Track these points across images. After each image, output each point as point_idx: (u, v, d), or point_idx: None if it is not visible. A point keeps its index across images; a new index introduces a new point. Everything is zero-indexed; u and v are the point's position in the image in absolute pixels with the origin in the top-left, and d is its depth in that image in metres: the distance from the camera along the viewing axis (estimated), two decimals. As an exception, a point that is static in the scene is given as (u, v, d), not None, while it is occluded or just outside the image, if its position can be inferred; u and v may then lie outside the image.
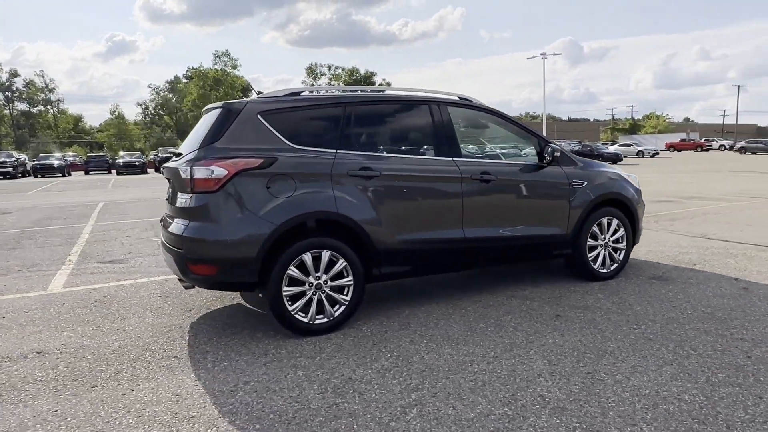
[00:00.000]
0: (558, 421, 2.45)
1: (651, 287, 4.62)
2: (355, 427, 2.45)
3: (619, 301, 4.25)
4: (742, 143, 48.72)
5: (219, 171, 3.45)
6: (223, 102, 3.90)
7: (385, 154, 4.01)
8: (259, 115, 3.67)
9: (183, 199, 3.65)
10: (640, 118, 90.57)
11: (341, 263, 3.67)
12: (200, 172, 3.47)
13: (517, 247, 4.51)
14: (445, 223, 4.12)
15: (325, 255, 3.62)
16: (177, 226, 3.66)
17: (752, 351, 3.18)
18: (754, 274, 4.96)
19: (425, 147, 4.22)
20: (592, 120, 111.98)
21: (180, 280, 3.86)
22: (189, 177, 3.52)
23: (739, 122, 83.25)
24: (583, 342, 3.40)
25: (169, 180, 4.23)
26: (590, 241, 4.78)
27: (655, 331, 3.56)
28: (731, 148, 54.40)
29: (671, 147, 61.00)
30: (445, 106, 4.27)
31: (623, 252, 4.98)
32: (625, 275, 5.02)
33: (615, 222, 4.90)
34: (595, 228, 4.78)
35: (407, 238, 3.94)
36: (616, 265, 4.94)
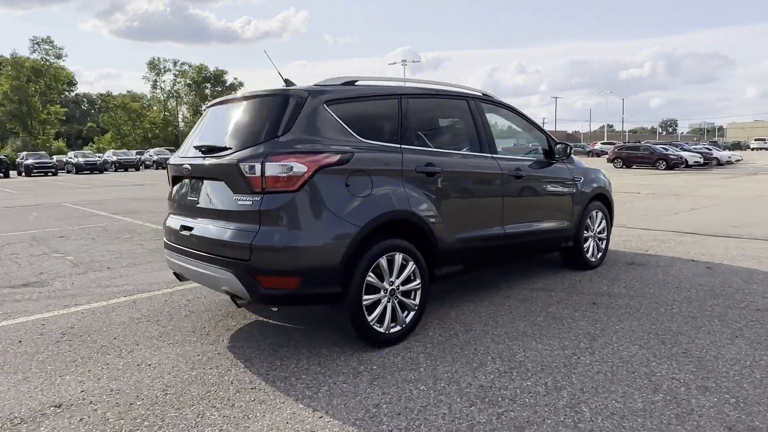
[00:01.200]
0: (716, 399, 2.58)
1: (636, 272, 5.11)
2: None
3: (627, 286, 4.62)
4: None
5: (299, 168, 2.98)
6: (272, 89, 3.38)
7: (439, 150, 3.83)
8: (325, 105, 3.25)
9: (243, 200, 3.07)
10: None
11: (411, 266, 3.42)
12: (274, 169, 2.96)
13: (538, 242, 4.65)
14: (491, 220, 4.09)
15: (398, 258, 3.34)
16: (235, 232, 3.07)
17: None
18: (702, 256, 5.78)
19: (470, 143, 4.13)
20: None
21: (234, 297, 3.24)
22: (258, 174, 2.98)
23: (555, 129, 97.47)
24: (645, 325, 3.63)
25: (184, 178, 3.57)
26: (584, 233, 5.13)
27: (689, 310, 3.94)
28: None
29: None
30: (480, 101, 4.24)
31: (605, 242, 5.45)
32: (605, 263, 5.49)
33: (600, 214, 5.33)
34: (588, 220, 5.14)
35: (462, 236, 3.82)
36: (600, 254, 5.38)
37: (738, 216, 9.01)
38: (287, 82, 3.69)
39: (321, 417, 2.51)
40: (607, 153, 52.95)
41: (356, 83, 3.56)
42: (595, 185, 5.21)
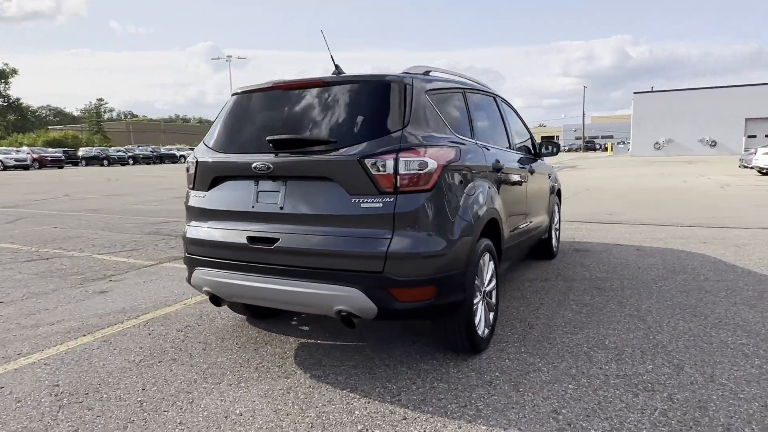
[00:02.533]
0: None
1: (592, 257, 5.73)
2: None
3: (603, 270, 5.14)
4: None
5: (431, 164, 2.65)
6: (364, 74, 2.93)
7: (495, 146, 3.77)
8: (427, 95, 2.96)
9: (370, 202, 2.61)
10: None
11: (492, 266, 3.33)
12: (409, 165, 2.59)
13: (537, 235, 4.89)
14: (523, 215, 4.18)
15: (486, 258, 3.22)
16: (361, 240, 2.61)
17: (736, 282, 4.49)
18: (621, 240, 6.71)
19: (501, 140, 4.13)
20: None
21: (349, 318, 2.71)
22: (390, 172, 2.58)
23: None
24: (665, 299, 4.10)
25: (242, 179, 2.96)
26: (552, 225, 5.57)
27: (676, 283, 4.56)
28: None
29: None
30: (500, 98, 4.30)
31: (558, 232, 5.98)
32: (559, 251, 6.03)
33: (557, 207, 5.83)
34: (553, 213, 5.59)
35: (512, 233, 3.83)
36: (557, 243, 5.89)
37: (598, 205, 10.66)
38: (338, 68, 3.28)
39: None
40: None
41: (430, 73, 3.30)
42: (558, 181, 5.69)
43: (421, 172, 2.61)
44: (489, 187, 3.27)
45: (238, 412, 2.56)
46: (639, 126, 47.04)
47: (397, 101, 2.76)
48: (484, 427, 2.36)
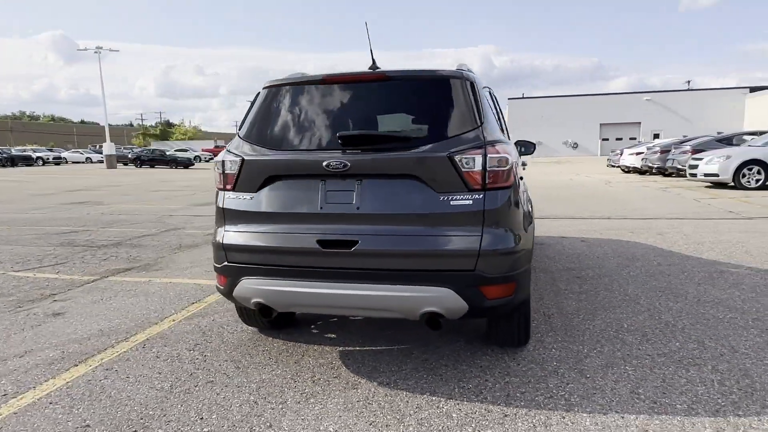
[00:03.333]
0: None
1: (549, 250, 6.13)
2: None
3: (566, 262, 5.53)
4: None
5: (510, 160, 2.66)
6: (427, 69, 2.83)
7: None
8: (484, 91, 2.96)
9: (459, 199, 2.55)
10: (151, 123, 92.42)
11: None
12: (495, 162, 2.58)
13: None
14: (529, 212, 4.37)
15: None
16: (452, 238, 2.55)
17: (684, 265, 5.10)
18: (565, 233, 7.26)
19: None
20: (101, 124, 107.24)
21: (434, 320, 2.60)
22: (479, 169, 2.55)
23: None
24: (649, 288, 4.52)
25: (307, 177, 2.74)
26: None
27: (639, 271, 5.04)
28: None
29: (211, 153, 66.26)
30: (490, 91, 4.43)
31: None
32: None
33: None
34: None
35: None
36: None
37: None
38: (374, 63, 3.18)
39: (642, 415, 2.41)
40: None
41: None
42: None
43: (503, 169, 2.62)
44: (525, 184, 3.38)
45: (331, 430, 2.36)
46: (513, 130, 51.31)
47: (470, 97, 2.74)
48: (585, 414, 2.44)
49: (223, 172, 2.92)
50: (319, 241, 2.64)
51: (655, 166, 18.54)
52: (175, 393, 2.73)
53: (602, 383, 2.74)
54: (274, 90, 2.99)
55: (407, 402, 2.60)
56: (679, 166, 15.62)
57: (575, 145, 50.42)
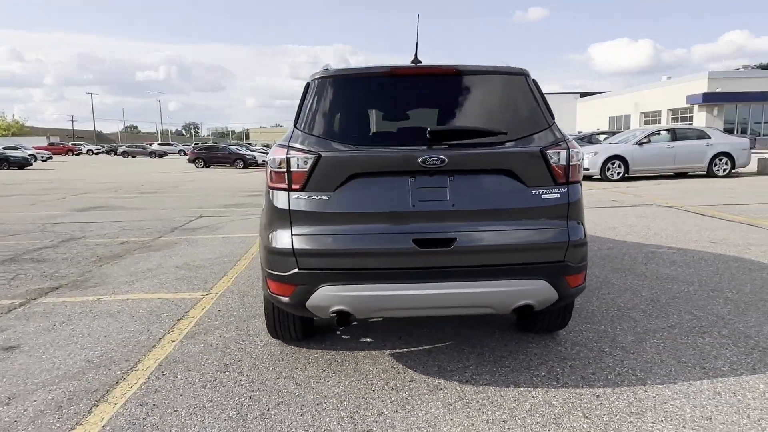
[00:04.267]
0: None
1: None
2: None
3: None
4: (124, 147, 53.43)
5: (582, 156, 2.81)
6: (495, 66, 2.82)
7: None
8: None
9: (549, 193, 2.65)
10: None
11: None
12: (575, 157, 2.71)
13: None
14: None
15: None
16: (545, 231, 2.63)
17: (614, 248, 5.76)
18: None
19: None
20: None
21: (523, 310, 2.61)
22: (564, 163, 2.66)
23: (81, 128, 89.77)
24: (660, 277, 5.02)
25: (398, 174, 2.62)
26: None
27: (629, 261, 5.57)
28: (108, 152, 58.26)
29: (49, 151, 58.01)
30: None
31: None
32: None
33: None
34: None
35: None
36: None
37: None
38: (416, 57, 3.14)
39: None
40: (167, 154, 53.75)
41: None
42: None
43: (579, 163, 2.75)
44: None
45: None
46: None
47: (537, 94, 2.82)
48: (660, 386, 2.69)
49: (288, 169, 2.63)
50: (415, 241, 2.52)
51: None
52: (249, 420, 2.42)
53: (648, 356, 3.03)
54: (336, 81, 2.78)
55: (501, 396, 2.62)
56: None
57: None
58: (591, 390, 2.66)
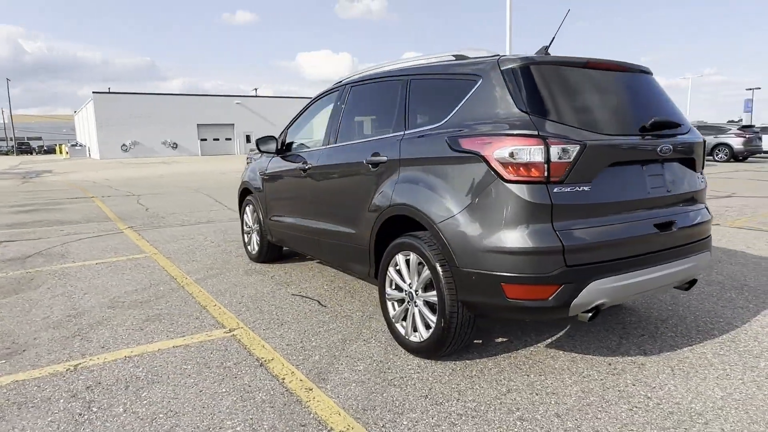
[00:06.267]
0: None
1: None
2: None
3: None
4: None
5: None
6: (631, 63, 3.17)
7: None
8: None
9: (700, 178, 3.22)
10: None
11: None
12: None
13: None
14: None
15: None
16: (706, 211, 3.25)
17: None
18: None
19: None
20: None
21: (689, 283, 3.15)
22: (702, 152, 3.25)
23: None
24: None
25: (631, 164, 2.80)
26: None
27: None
28: None
29: None
30: None
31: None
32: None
33: None
34: None
35: None
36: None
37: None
38: (546, 48, 3.26)
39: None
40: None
41: None
42: None
43: None
44: None
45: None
46: (103, 128, 43.88)
47: (660, 89, 3.29)
48: (762, 361, 2.91)
49: (548, 160, 2.49)
50: (656, 225, 2.80)
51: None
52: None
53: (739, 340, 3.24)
54: (545, 68, 2.76)
55: (661, 380, 2.74)
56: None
57: (175, 145, 46.79)
58: (713, 370, 2.83)
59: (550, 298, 2.50)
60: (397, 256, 3.15)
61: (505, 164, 2.55)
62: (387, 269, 3.25)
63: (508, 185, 2.55)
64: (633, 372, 2.85)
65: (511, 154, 2.53)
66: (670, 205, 2.94)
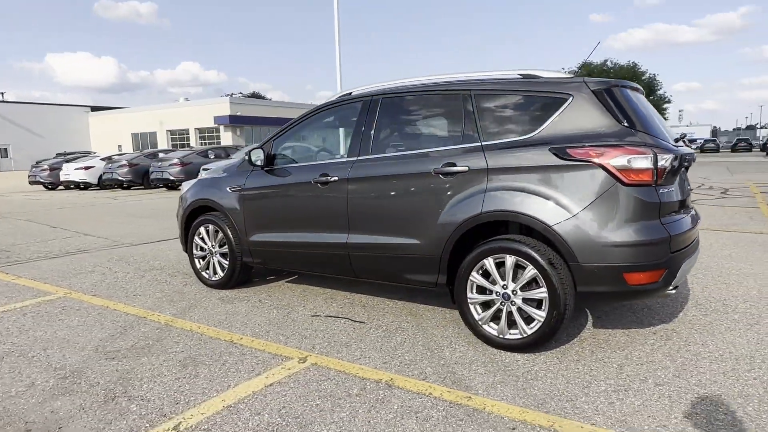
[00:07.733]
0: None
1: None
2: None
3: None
4: None
5: None
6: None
7: None
8: None
9: None
10: None
11: None
12: None
13: None
14: None
15: None
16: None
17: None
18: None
19: None
20: None
21: None
22: None
23: None
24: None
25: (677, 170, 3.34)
26: None
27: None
28: None
29: None
30: None
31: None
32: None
33: None
34: None
35: None
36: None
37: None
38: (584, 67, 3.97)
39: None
40: None
41: None
42: None
43: None
44: None
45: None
46: None
47: None
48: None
49: (656, 167, 3.02)
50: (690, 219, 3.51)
51: (127, 179, 19.54)
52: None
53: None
54: (620, 89, 3.32)
55: (666, 362, 3.21)
56: (172, 177, 17.68)
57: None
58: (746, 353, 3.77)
59: (660, 280, 3.05)
60: (485, 261, 3.27)
61: (623, 170, 2.99)
62: (469, 275, 3.34)
63: (627, 188, 3.00)
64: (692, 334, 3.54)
65: (629, 161, 2.99)
66: (688, 205, 3.61)
